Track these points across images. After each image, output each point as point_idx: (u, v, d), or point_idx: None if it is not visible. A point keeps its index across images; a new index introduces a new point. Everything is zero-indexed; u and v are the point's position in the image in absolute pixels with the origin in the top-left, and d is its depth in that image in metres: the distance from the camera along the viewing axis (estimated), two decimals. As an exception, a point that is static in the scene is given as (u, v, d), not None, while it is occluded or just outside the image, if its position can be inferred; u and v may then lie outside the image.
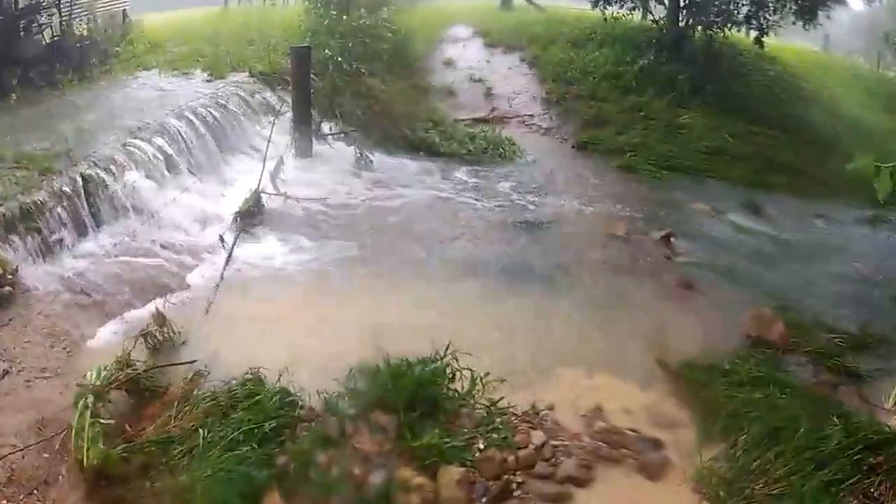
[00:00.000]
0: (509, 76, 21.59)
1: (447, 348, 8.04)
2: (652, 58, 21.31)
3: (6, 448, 7.19)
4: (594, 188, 15.58)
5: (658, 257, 12.53)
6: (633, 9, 23.31)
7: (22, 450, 7.20)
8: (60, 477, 7.09)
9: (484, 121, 19.11)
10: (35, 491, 6.89)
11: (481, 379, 7.98)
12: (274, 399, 7.71)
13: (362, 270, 11.47)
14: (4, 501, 6.70)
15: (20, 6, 18.69)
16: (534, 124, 19.17)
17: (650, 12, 23.27)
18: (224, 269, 11.34)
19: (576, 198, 14.87)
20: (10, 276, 9.61)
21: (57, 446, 7.35)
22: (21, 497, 6.79)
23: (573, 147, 18.13)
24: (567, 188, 15.44)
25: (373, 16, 20.55)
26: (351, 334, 9.08)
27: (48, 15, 19.95)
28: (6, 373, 8.32)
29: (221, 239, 12.23)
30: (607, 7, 23.09)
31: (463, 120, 18.97)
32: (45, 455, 7.27)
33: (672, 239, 13.12)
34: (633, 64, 21.00)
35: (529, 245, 12.60)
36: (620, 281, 11.46)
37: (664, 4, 22.73)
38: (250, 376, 8.06)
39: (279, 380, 7.96)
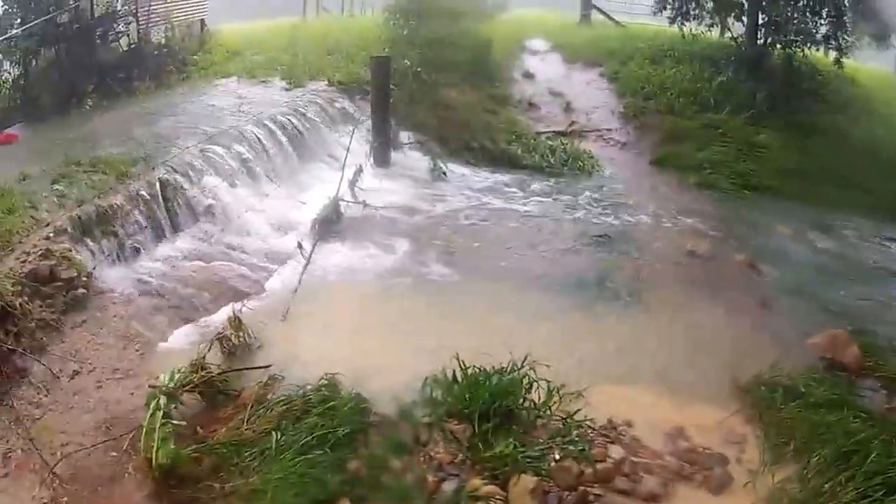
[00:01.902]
0: (588, 90, 21.38)
1: (524, 359, 7.96)
2: (730, 75, 20.94)
3: (71, 446, 7.28)
4: (671, 204, 15.23)
5: (734, 275, 12.23)
6: (712, 26, 22.90)
7: (88, 448, 7.28)
8: (126, 475, 7.14)
9: (563, 134, 18.84)
10: (99, 488, 6.94)
11: (558, 391, 7.88)
12: (348, 405, 7.69)
13: (439, 279, 11.42)
14: (66, 498, 6.76)
15: (96, 14, 19.17)
16: (612, 139, 18.91)
17: (728, 30, 22.76)
18: (302, 275, 11.29)
19: (653, 213, 14.58)
20: (85, 279, 9.76)
21: (125, 446, 7.43)
22: (84, 493, 6.86)
23: (651, 162, 17.82)
24: (645, 203, 15.13)
25: (452, 26, 20.59)
26: (426, 342, 9.04)
27: (125, 23, 20.42)
28: (76, 373, 8.44)
29: (300, 245, 12.17)
30: (685, 24, 22.75)
31: (543, 133, 18.81)
32: (113, 454, 7.35)
33: (748, 257, 12.79)
34: (711, 81, 20.63)
35: (607, 259, 12.43)
36: (696, 298, 11.19)
37: (742, 22, 22.37)
38: (325, 381, 8.05)
39: (354, 386, 7.95)
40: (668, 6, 22.53)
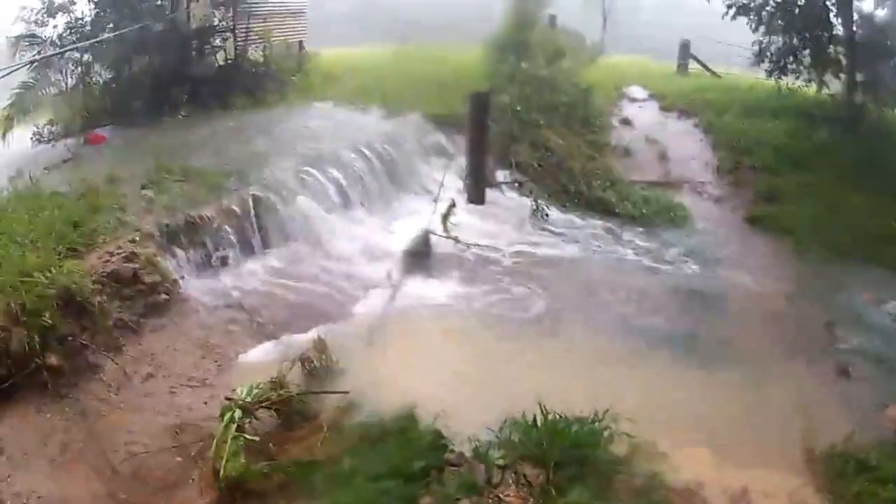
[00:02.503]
0: (683, 141, 20.82)
1: (605, 411, 7.62)
2: (826, 133, 20.32)
3: (136, 446, 7.22)
4: (760, 263, 14.58)
5: (816, 340, 11.54)
6: (809, 81, 22.37)
7: (153, 450, 7.22)
8: (190, 482, 7.00)
9: (657, 184, 18.39)
10: (159, 491, 6.84)
11: (639, 447, 7.53)
12: (425, 439, 7.49)
13: (526, 320, 11.05)
14: (123, 494, 6.70)
15: (192, 26, 19.49)
16: (705, 192, 18.35)
17: (826, 86, 22.17)
18: (389, 304, 11.07)
19: (742, 271, 13.95)
20: (168, 285, 9.74)
21: (193, 453, 7.30)
22: (143, 493, 6.78)
23: (743, 219, 17.29)
24: (734, 261, 14.51)
25: (553, 67, 20.46)
26: (508, 383, 8.74)
27: (222, 38, 20.75)
28: (150, 376, 8.39)
29: (389, 275, 11.96)
30: (782, 77, 22.26)
31: (638, 182, 18.44)
32: (178, 459, 7.24)
33: (831, 322, 12.08)
34: (807, 138, 20.06)
35: (693, 314, 11.88)
36: (777, 361, 10.62)
37: (840, 79, 21.79)
38: (404, 413, 7.84)
39: (433, 420, 7.70)
40: (766, 59, 22.05)
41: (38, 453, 7.06)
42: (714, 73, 27.42)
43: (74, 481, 6.78)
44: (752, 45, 21.82)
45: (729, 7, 21.29)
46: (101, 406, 7.72)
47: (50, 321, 7.88)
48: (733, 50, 25.30)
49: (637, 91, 24.38)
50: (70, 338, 8.09)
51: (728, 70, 27.47)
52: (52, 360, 7.78)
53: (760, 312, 12.15)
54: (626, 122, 21.50)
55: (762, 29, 21.67)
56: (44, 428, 7.34)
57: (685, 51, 28.08)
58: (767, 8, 21.56)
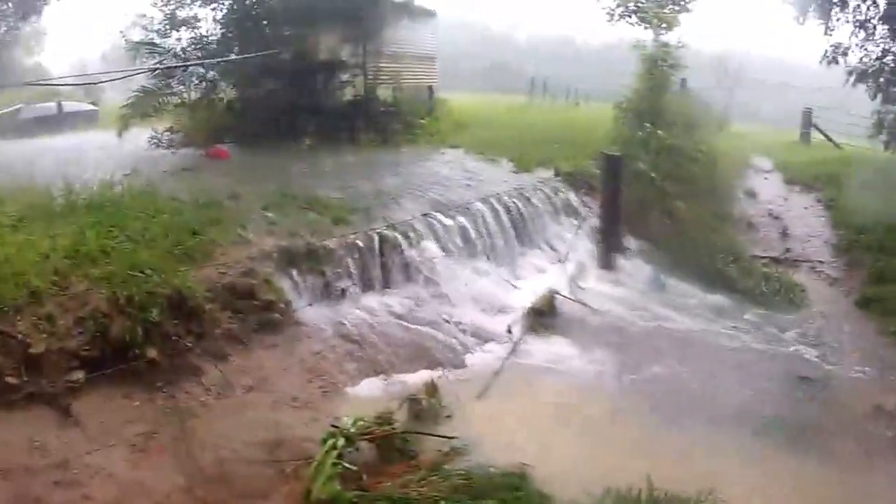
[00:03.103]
0: (804, 216, 20.32)
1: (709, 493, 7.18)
2: None
3: (226, 451, 7.13)
4: (871, 352, 13.71)
5: None
6: None
7: (242, 460, 7.10)
8: (276, 495, 6.83)
9: (777, 261, 17.90)
10: (241, 499, 6.70)
11: None
12: (533, 500, 7.12)
13: (639, 391, 10.56)
14: (203, 493, 6.57)
15: (321, 59, 20.02)
16: (823, 272, 17.58)
17: None
18: (507, 359, 10.69)
19: (852, 360, 13.06)
20: (283, 306, 9.67)
21: (285, 470, 7.12)
22: (224, 496, 6.66)
23: (856, 303, 16.42)
24: (846, 347, 13.71)
25: (686, 136, 20.16)
26: (615, 452, 8.39)
27: (352, 75, 21.22)
28: (252, 389, 8.28)
29: (509, 329, 11.63)
30: None
31: (759, 257, 17.93)
32: (268, 472, 7.07)
33: None
34: None
35: (802, 402, 11.11)
36: (876, 458, 9.67)
37: None
38: (514, 470, 7.48)
39: (539, 484, 7.34)
40: (884, 130, 21.42)
41: (119, 435, 6.97)
42: (836, 144, 27.13)
43: (153, 469, 6.69)
44: (872, 115, 21.39)
45: (849, 74, 20.87)
46: (197, 407, 7.64)
47: (157, 318, 7.87)
48: (855, 119, 24.98)
49: (763, 161, 24.45)
50: (174, 337, 8.05)
51: (849, 140, 26.97)
52: (152, 353, 7.73)
53: (862, 404, 11.34)
54: (750, 193, 21.48)
55: (880, 97, 21.13)
56: (129, 414, 7.29)
57: (807, 119, 28.22)
58: (884, 75, 21.05)
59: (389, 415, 7.92)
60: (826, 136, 27.88)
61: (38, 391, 7.01)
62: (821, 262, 17.75)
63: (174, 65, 18.70)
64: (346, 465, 7.03)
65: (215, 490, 6.61)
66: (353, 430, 7.46)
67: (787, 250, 18.39)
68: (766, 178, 23.20)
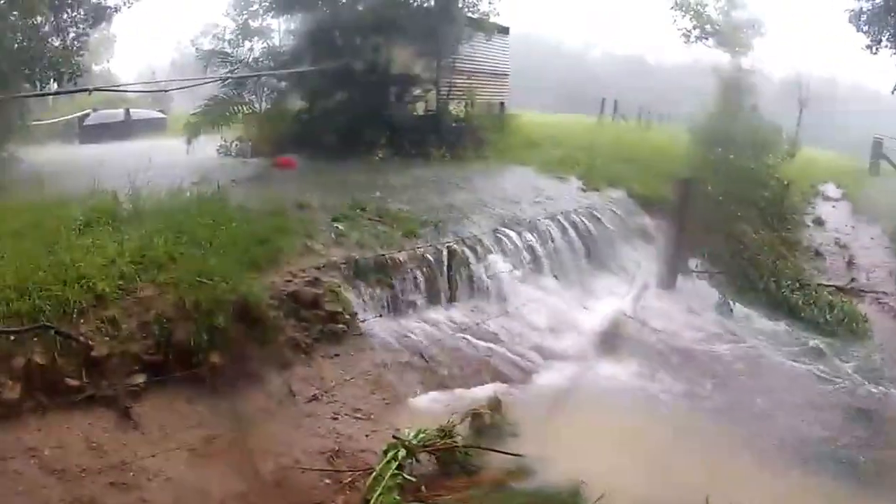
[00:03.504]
0: (870, 247, 20.14)
1: None
2: None
3: (287, 459, 7.13)
4: None
5: None
6: None
7: (302, 468, 7.08)
8: None
9: (842, 290, 17.62)
10: None
11: None
12: None
13: (700, 416, 10.40)
14: (258, 500, 6.58)
15: (394, 73, 20.00)
16: (886, 304, 17.23)
17: None
18: (575, 379, 10.56)
19: None
20: (348, 317, 9.64)
21: (345, 480, 7.09)
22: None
23: None
24: None
25: (757, 160, 20.02)
26: (676, 476, 8.10)
27: (424, 89, 21.34)
28: (314, 398, 8.26)
29: (579, 350, 11.50)
30: None
31: (824, 286, 17.63)
32: (326, 481, 7.05)
33: None
34: None
35: (861, 436, 10.76)
36: None
37: None
38: (576, 489, 7.30)
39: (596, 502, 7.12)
40: None
41: (179, 439, 6.99)
42: (902, 173, 26.60)
43: (211, 474, 6.69)
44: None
45: None
46: (258, 414, 7.64)
47: (222, 324, 7.88)
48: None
49: (832, 190, 24.59)
50: (238, 344, 8.06)
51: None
52: (215, 359, 7.74)
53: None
54: (818, 221, 21.60)
55: None
56: (190, 418, 7.32)
57: (878, 149, 28.08)
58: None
59: (451, 428, 7.82)
60: (895, 166, 27.57)
61: (99, 393, 7.07)
62: (885, 293, 17.61)
63: (246, 74, 18.95)
64: (406, 476, 6.99)
65: (271, 497, 6.60)
66: (414, 441, 7.41)
67: (853, 280, 18.28)
68: (833, 207, 23.19)
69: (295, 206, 11.79)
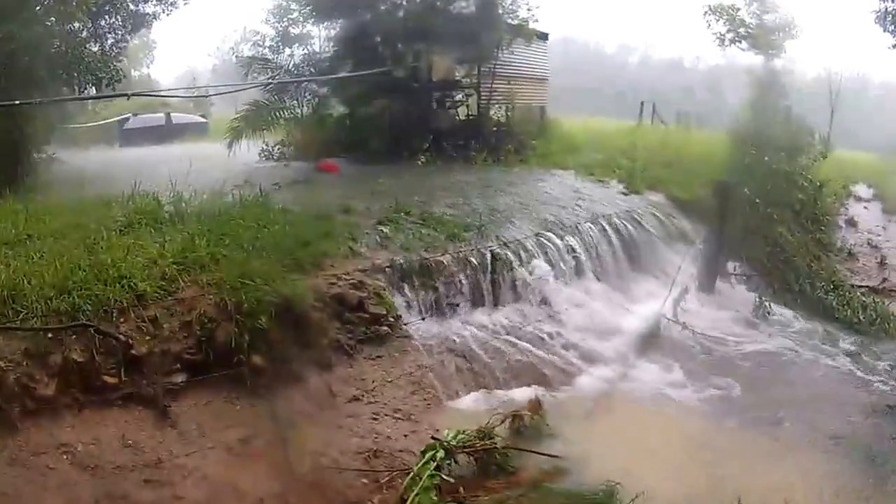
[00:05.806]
0: None
1: None
2: None
3: (325, 459, 7.11)
4: None
5: None
6: None
7: (340, 468, 7.07)
8: None
9: (875, 291, 17.54)
10: None
11: None
12: None
13: (743, 419, 10.16)
14: (296, 500, 6.55)
15: (434, 79, 20.07)
16: None
17: None
18: (616, 382, 10.49)
19: None
20: (392, 319, 9.62)
21: (382, 480, 7.05)
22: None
23: None
24: None
25: (791, 162, 19.78)
26: (712, 480, 8.05)
27: (465, 95, 21.43)
28: (355, 399, 8.24)
29: (621, 353, 11.39)
30: None
31: (858, 287, 17.51)
32: (363, 481, 7.02)
33: None
34: None
35: (888, 433, 10.42)
36: None
37: None
38: (605, 488, 7.22)
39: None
40: None
41: (216, 438, 6.96)
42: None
43: (248, 473, 6.65)
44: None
45: None
46: (297, 415, 7.59)
47: (264, 325, 7.84)
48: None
49: (864, 190, 24.61)
50: (280, 345, 8.01)
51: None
52: (256, 359, 7.71)
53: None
54: (851, 222, 21.69)
55: None
56: (228, 417, 7.28)
57: None
58: None
59: (491, 429, 7.79)
60: (926, 167, 27.31)
61: (137, 392, 7.05)
62: None
63: (287, 80, 19.06)
64: (444, 476, 6.97)
65: (308, 497, 6.56)
66: (453, 442, 7.39)
67: (885, 280, 18.26)
68: (865, 207, 23.16)
69: (339, 209, 11.79)
